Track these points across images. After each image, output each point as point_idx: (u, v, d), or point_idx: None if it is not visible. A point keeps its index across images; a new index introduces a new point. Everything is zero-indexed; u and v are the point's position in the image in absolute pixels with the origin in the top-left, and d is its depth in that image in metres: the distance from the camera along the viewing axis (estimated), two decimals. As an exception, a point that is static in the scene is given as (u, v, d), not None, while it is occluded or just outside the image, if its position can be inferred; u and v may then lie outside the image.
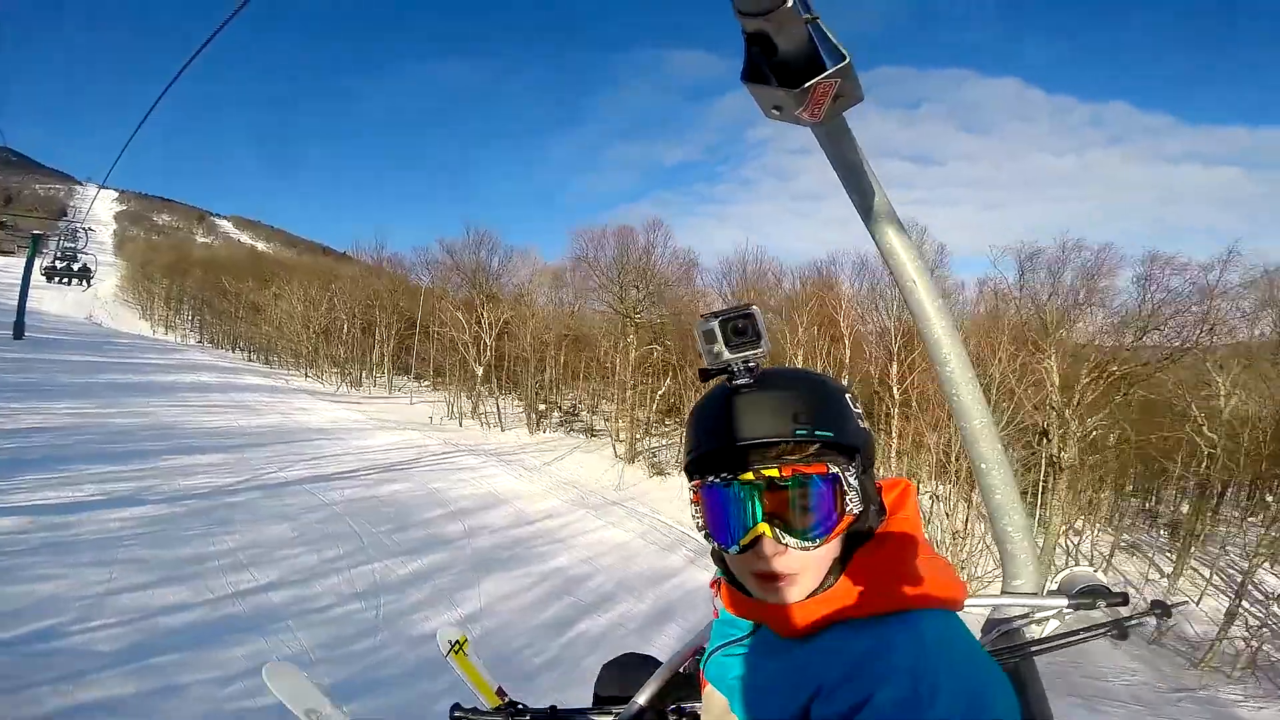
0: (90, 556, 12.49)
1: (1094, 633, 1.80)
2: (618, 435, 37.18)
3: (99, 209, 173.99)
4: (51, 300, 67.16)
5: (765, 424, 1.00)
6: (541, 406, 41.66)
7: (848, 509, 1.01)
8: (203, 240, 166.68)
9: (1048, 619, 1.81)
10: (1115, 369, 24.79)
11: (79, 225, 38.78)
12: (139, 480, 17.73)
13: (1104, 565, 23.84)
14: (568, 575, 17.67)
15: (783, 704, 0.97)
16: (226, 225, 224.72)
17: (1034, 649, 1.69)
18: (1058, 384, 24.57)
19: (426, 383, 47.91)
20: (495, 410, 40.75)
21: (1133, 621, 1.85)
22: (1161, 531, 27.68)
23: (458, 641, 2.75)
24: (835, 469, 1.00)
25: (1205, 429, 24.10)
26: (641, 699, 1.65)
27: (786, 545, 1.00)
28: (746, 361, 1.03)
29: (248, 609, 11.88)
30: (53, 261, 34.38)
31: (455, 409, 40.80)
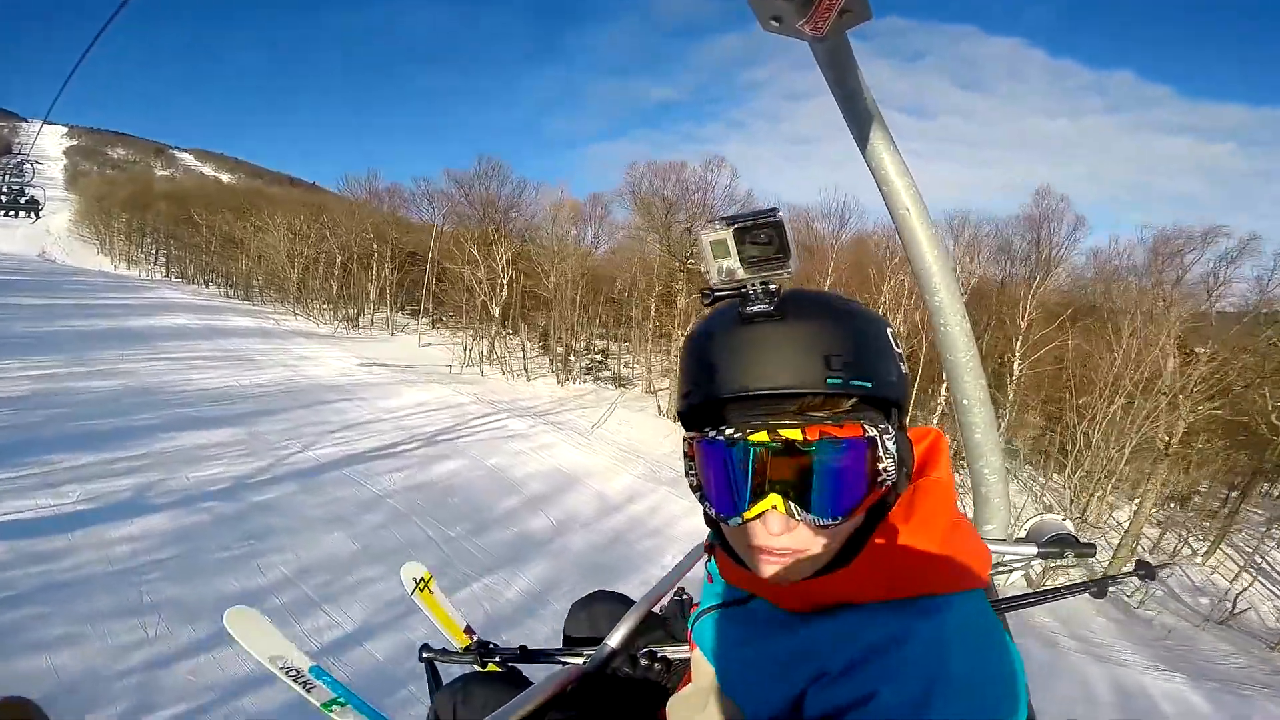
0: (108, 603, 8.76)
1: (1074, 591, 1.88)
2: (649, 387, 33.73)
3: (47, 145, 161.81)
4: (-2, 237, 60.07)
5: (788, 368, 0.79)
6: (571, 357, 37.24)
7: (879, 480, 0.81)
8: (163, 173, 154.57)
9: (1015, 568, 1.78)
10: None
11: (23, 157, 36.46)
12: (136, 473, 13.25)
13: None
14: (693, 580, 13.83)
15: (777, 684, 0.82)
16: (187, 158, 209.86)
17: (1005, 606, 1.56)
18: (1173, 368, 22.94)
19: (425, 320, 42.93)
20: (516, 356, 36.32)
21: (1118, 581, 1.96)
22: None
23: (422, 579, 2.57)
24: (872, 431, 0.80)
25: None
26: (613, 641, 1.51)
27: (800, 522, 0.81)
28: (765, 282, 0.81)
29: (353, 672, 8.00)
30: (2, 191, 31.56)
31: (471, 354, 36.07)
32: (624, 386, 36.12)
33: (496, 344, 37.00)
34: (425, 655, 1.94)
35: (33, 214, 31.52)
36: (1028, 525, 1.86)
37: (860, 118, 1.31)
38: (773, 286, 0.81)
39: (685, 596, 1.93)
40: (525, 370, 35.33)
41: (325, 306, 42.37)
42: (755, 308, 0.81)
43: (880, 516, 0.85)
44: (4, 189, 31.57)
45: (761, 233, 0.82)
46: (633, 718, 1.40)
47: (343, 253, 42.41)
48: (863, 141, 1.36)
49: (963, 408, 1.65)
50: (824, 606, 0.83)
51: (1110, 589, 1.88)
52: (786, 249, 0.81)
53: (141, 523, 11.20)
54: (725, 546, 0.94)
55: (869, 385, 0.80)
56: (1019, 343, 25.32)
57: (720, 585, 1.04)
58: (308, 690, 1.92)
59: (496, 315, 37.57)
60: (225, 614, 1.97)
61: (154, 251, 66.38)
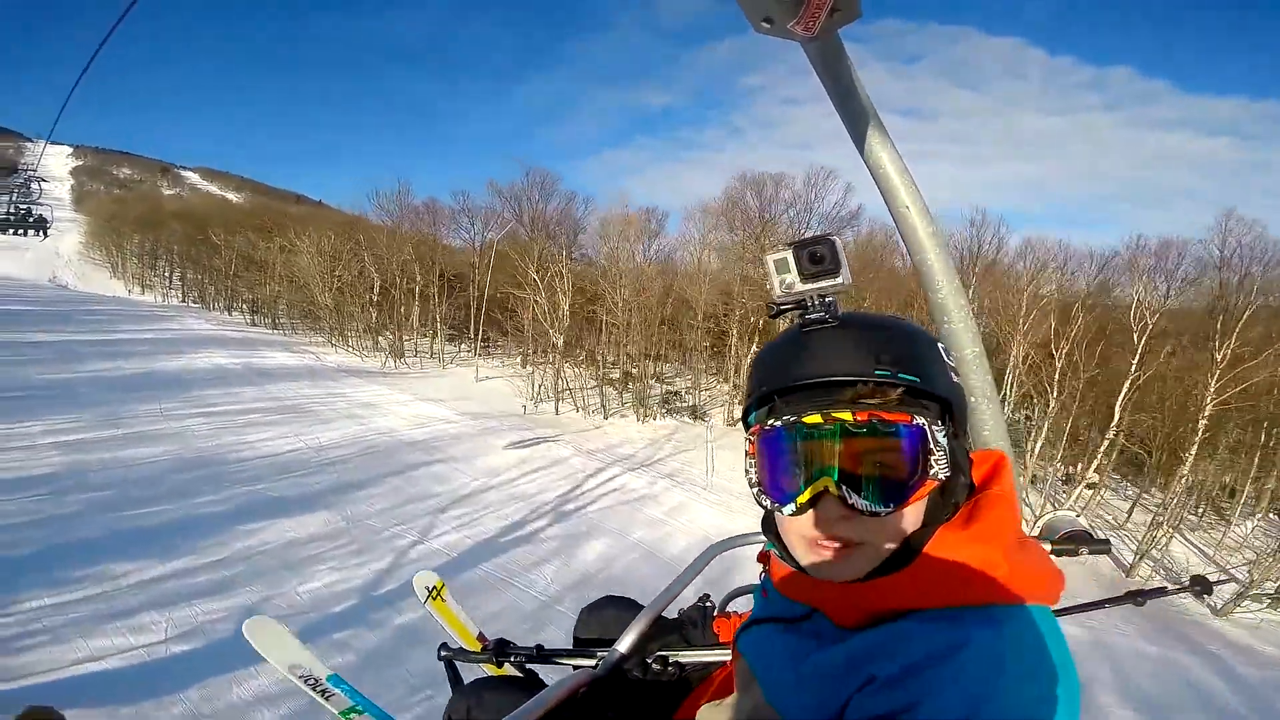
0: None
1: (1118, 601, 1.82)
2: (731, 419, 29.73)
3: (53, 165, 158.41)
4: (6, 260, 55.77)
5: (840, 361, 0.84)
6: (635, 387, 33.08)
7: (931, 471, 0.81)
8: (170, 192, 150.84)
9: None
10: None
11: (29, 174, 33.63)
12: (229, 589, 9.82)
13: None
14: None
15: (824, 695, 0.79)
16: (193, 177, 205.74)
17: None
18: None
19: (466, 346, 38.69)
20: (583, 389, 32.19)
21: (1169, 594, 1.87)
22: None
23: (434, 587, 2.59)
24: (921, 420, 0.81)
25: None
26: (623, 645, 1.52)
27: (854, 508, 0.80)
28: (823, 295, 0.90)
29: None
30: (6, 213, 29.36)
31: (538, 389, 31.85)
32: (702, 419, 32.09)
33: (560, 376, 32.88)
34: (444, 654, 1.89)
35: (41, 232, 29.07)
36: (1039, 523, 1.80)
37: (856, 116, 1.30)
38: (829, 299, 0.89)
39: (709, 603, 1.86)
40: (602, 407, 31.15)
41: (364, 336, 38.05)
42: (813, 316, 0.87)
43: (938, 522, 0.83)
44: (11, 208, 29.36)
45: (817, 249, 0.91)
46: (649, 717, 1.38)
47: (381, 276, 38.19)
48: (860, 140, 1.34)
49: (970, 405, 1.38)
50: (881, 616, 0.80)
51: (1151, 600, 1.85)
52: (839, 263, 0.90)
53: (269, 671, 7.11)
54: (783, 553, 0.91)
55: (916, 379, 0.82)
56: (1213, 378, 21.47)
57: (775, 599, 0.99)
58: (326, 698, 1.94)
59: (559, 344, 33.50)
60: (245, 624, 1.96)
61: (168, 275, 62.10)
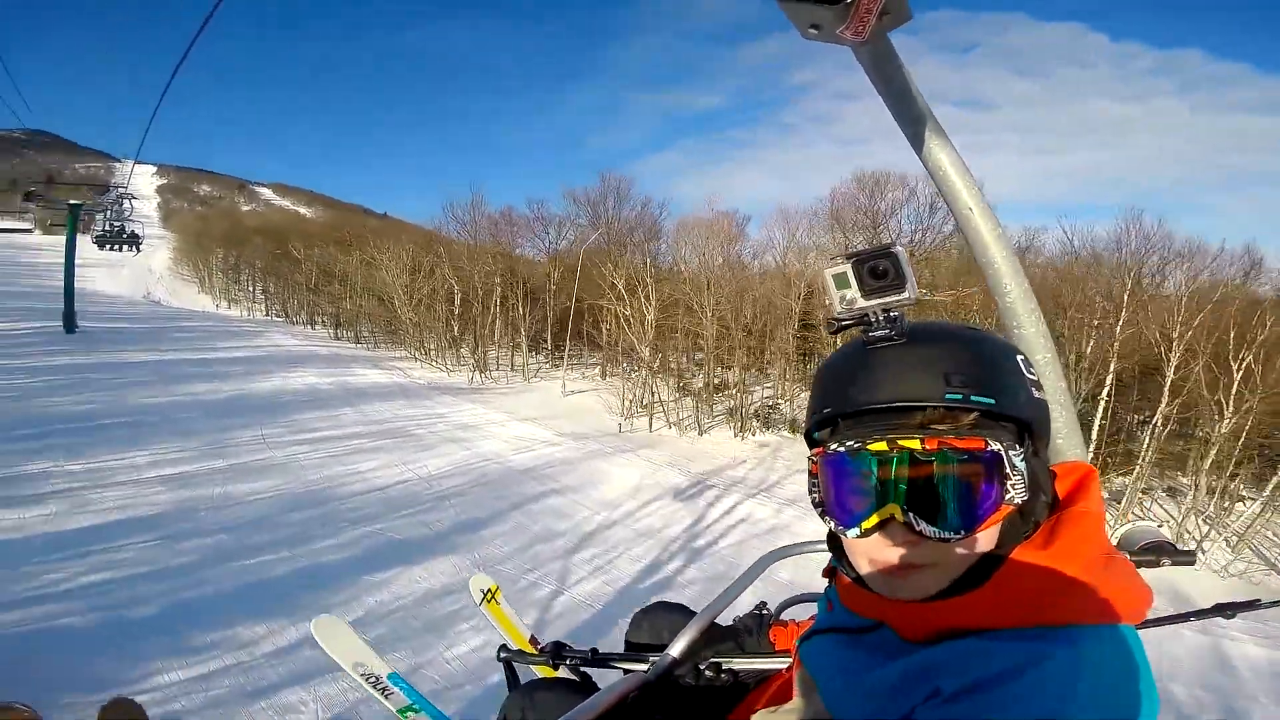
0: None
1: (1205, 614, 1.76)
2: None
3: (140, 184, 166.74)
4: (105, 279, 57.92)
5: (908, 384, 0.79)
6: (729, 399, 31.14)
7: (1007, 497, 0.78)
8: (247, 208, 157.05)
9: None
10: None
11: (122, 190, 36.50)
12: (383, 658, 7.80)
13: None
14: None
15: (888, 707, 0.76)
16: (267, 192, 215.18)
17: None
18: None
19: (544, 358, 37.48)
20: (670, 404, 30.46)
21: (1261, 607, 1.76)
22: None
23: (490, 590, 2.63)
24: (996, 446, 0.77)
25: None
26: (675, 650, 1.51)
27: (921, 534, 0.78)
28: (887, 310, 0.84)
29: None
30: (103, 230, 31.90)
31: (628, 403, 30.29)
32: (798, 432, 29.97)
33: (650, 391, 31.28)
34: (503, 655, 1.93)
35: (135, 248, 32.00)
36: (1118, 534, 1.72)
37: (913, 119, 1.27)
38: (894, 313, 0.83)
39: (766, 611, 1.87)
40: (697, 422, 29.40)
41: (446, 350, 37.30)
42: (878, 333, 0.82)
43: (1015, 541, 0.80)
44: (107, 225, 31.91)
45: (880, 263, 0.85)
46: None
47: (461, 288, 37.40)
48: (918, 143, 1.30)
49: None
50: (951, 633, 0.76)
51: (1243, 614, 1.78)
52: (903, 278, 0.84)
53: None
54: (848, 570, 0.90)
55: (991, 402, 0.78)
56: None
57: (840, 610, 0.97)
58: (385, 696, 2.01)
59: (647, 356, 31.94)
60: (313, 622, 2.06)
61: (251, 289, 63.62)
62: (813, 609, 1.42)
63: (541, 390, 32.71)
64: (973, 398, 0.77)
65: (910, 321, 0.83)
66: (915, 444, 0.76)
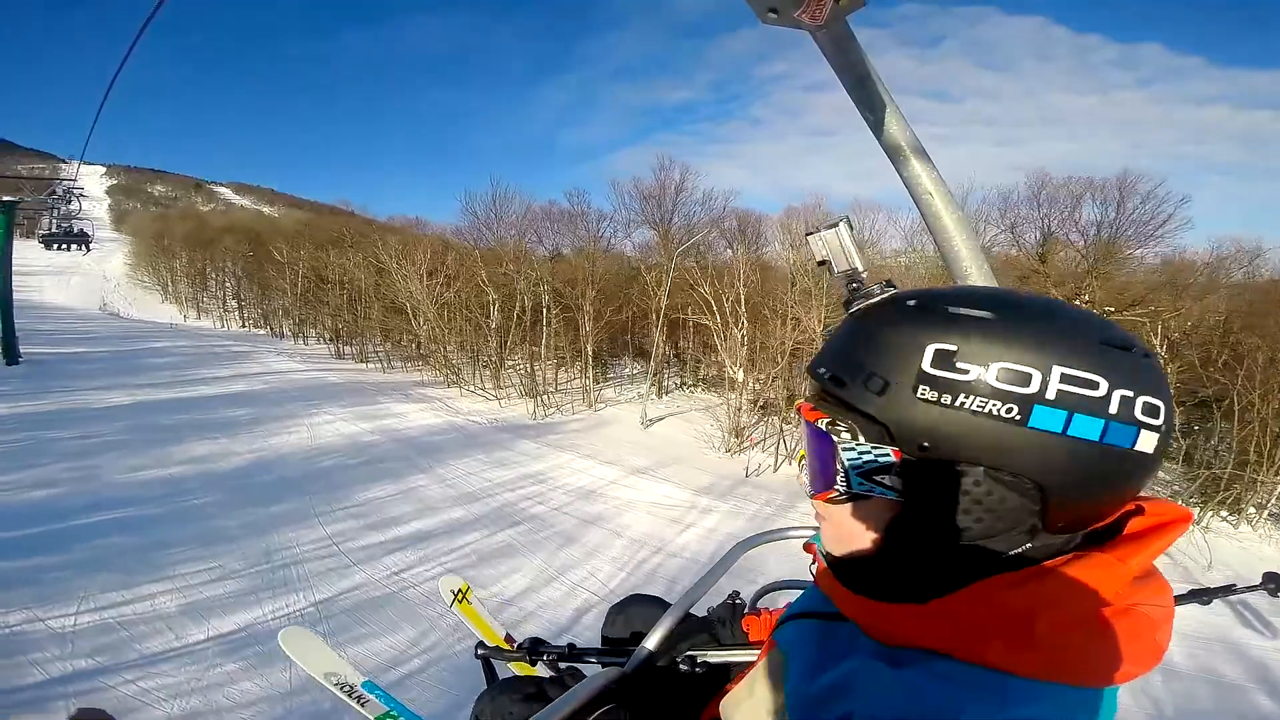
0: None
1: (1182, 601, 1.66)
2: None
3: (89, 185, 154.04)
4: (53, 288, 49.48)
5: (818, 357, 0.82)
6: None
7: (835, 485, 0.77)
8: (206, 208, 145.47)
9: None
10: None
11: (70, 184, 32.76)
12: None
13: None
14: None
15: (814, 711, 0.73)
16: (225, 191, 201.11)
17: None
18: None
19: (575, 370, 31.27)
20: (771, 433, 24.75)
21: (1237, 592, 1.78)
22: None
23: (460, 590, 2.56)
24: (825, 426, 0.76)
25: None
26: (650, 644, 1.45)
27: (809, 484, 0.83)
28: (851, 280, 0.86)
29: None
30: (50, 228, 29.64)
31: (737, 437, 24.49)
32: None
33: (744, 417, 25.54)
34: (480, 653, 1.91)
35: (84, 247, 29.67)
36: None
37: (872, 103, 1.24)
38: (855, 285, 0.84)
39: (739, 601, 1.79)
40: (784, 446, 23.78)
41: (483, 370, 30.64)
42: (846, 300, 0.84)
43: (991, 567, 0.70)
44: (54, 225, 29.62)
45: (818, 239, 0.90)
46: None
47: (499, 295, 30.92)
48: (877, 127, 1.28)
49: None
50: (903, 643, 0.70)
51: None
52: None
53: None
54: None
55: (840, 385, 0.75)
56: None
57: (814, 592, 0.92)
58: (361, 704, 1.93)
59: (740, 378, 26.19)
60: (280, 634, 2.01)
61: (222, 297, 55.46)
62: (789, 596, 1.38)
63: (613, 420, 26.60)
64: (823, 373, 0.77)
65: (891, 293, 0.80)
66: (799, 403, 0.82)
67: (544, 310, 30.33)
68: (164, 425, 17.95)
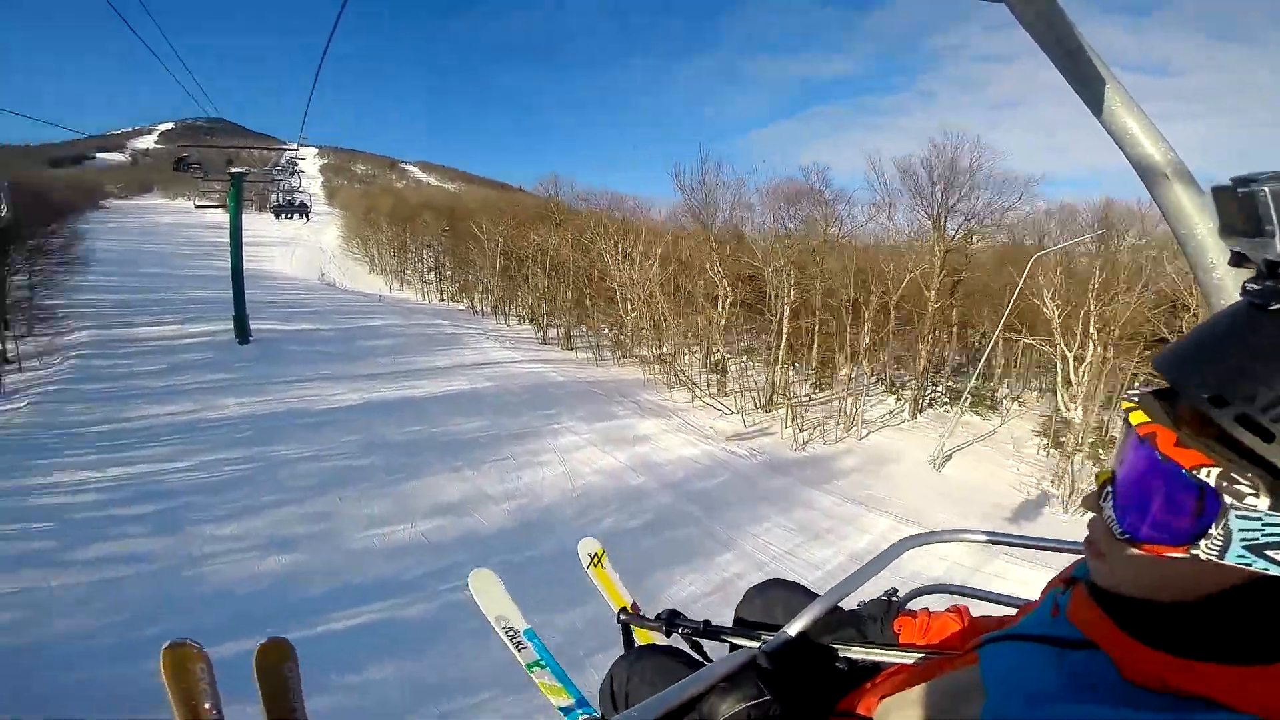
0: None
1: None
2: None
3: (304, 164, 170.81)
4: (281, 259, 51.51)
5: (1182, 360, 0.62)
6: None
7: (1189, 540, 0.58)
8: (399, 185, 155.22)
9: None
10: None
11: (293, 155, 36.56)
12: None
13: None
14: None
15: None
16: (414, 170, 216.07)
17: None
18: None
19: (790, 372, 24.69)
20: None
21: None
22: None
23: (596, 554, 2.50)
24: (1203, 476, 0.56)
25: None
26: (792, 629, 1.36)
27: (1105, 514, 0.67)
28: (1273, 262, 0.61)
29: None
30: (280, 199, 31.37)
31: (1067, 491, 17.45)
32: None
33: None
34: (622, 618, 1.97)
35: (305, 217, 31.58)
36: None
37: (1088, 79, 1.11)
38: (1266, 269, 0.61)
39: (895, 599, 1.59)
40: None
41: (711, 377, 25.29)
42: (1251, 287, 0.61)
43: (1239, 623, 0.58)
44: (280, 196, 31.86)
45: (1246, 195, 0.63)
46: (805, 709, 1.21)
47: (745, 290, 25.38)
48: (1096, 105, 1.13)
49: None
50: (1177, 691, 0.58)
51: None
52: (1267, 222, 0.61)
53: None
54: None
55: (1226, 408, 0.55)
56: None
57: (1059, 621, 0.76)
58: (519, 649, 2.00)
59: (1079, 419, 18.88)
60: (470, 574, 2.05)
61: (421, 269, 55.43)
62: (944, 600, 1.35)
63: (889, 455, 20.29)
64: (1196, 391, 0.57)
65: None
66: (1138, 418, 0.62)
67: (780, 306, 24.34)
68: (398, 444, 14.37)
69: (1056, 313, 19.63)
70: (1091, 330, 19.26)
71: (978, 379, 26.48)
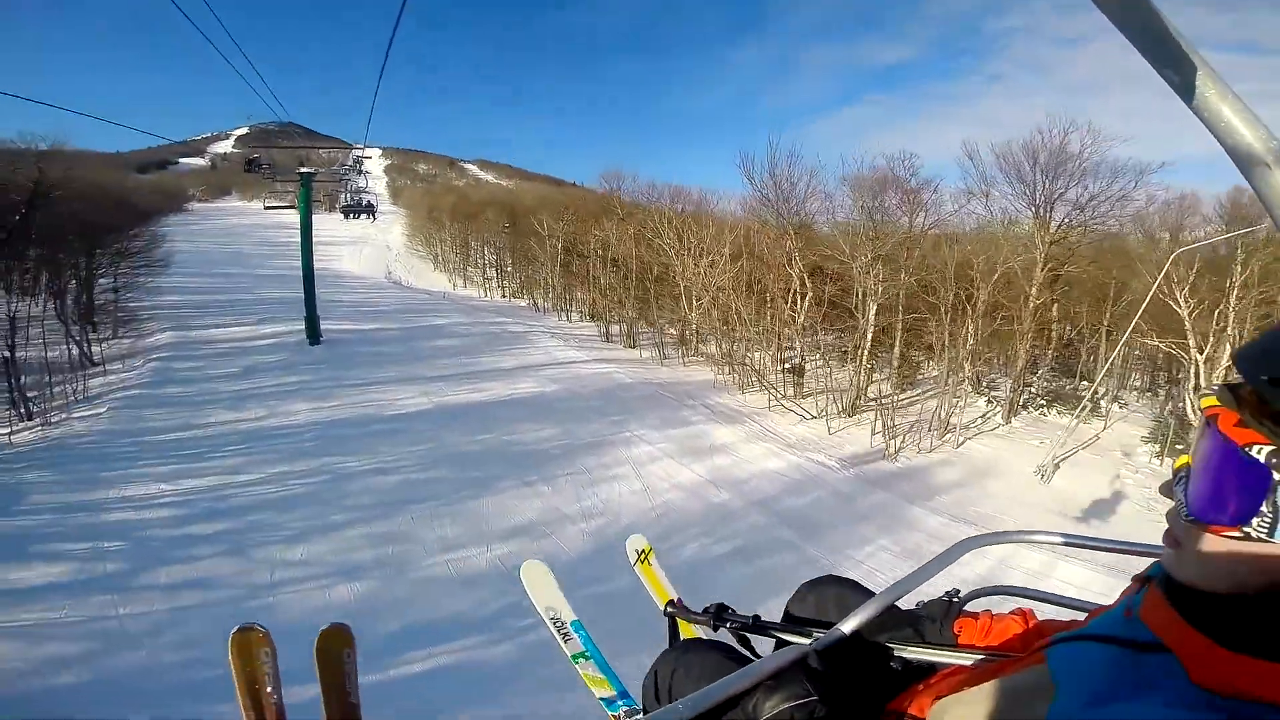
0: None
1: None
2: None
3: (369, 165, 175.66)
4: (349, 257, 52.50)
5: (1254, 350, 0.62)
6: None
7: (1241, 519, 0.59)
8: (459, 183, 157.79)
9: None
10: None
11: (359, 156, 45.44)
12: None
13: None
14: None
15: None
16: (473, 168, 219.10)
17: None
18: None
19: (832, 362, 22.70)
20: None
21: None
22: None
23: (644, 550, 2.54)
24: (1261, 455, 0.58)
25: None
26: (846, 627, 1.29)
27: (1177, 499, 0.68)
28: None
29: None
30: (348, 199, 32.31)
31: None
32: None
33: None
34: (669, 610, 1.93)
35: (371, 216, 32.37)
36: None
37: (1176, 63, 1.00)
38: None
39: (956, 599, 1.49)
40: None
41: (790, 382, 23.75)
42: None
43: None
44: (348, 196, 32.76)
45: None
46: (853, 709, 1.15)
47: (824, 290, 23.77)
48: (1186, 91, 1.01)
49: None
50: (1245, 695, 0.56)
51: None
52: None
53: None
54: None
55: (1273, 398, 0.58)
56: None
57: (1133, 622, 0.74)
58: (565, 640, 2.01)
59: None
60: (523, 565, 2.09)
61: (483, 266, 55.62)
62: (1008, 604, 1.31)
63: (989, 466, 18.45)
64: (1258, 375, 0.58)
65: None
66: (1210, 401, 0.64)
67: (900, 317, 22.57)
68: (468, 455, 13.66)
69: (1188, 312, 17.36)
70: (1230, 330, 16.96)
71: (1078, 379, 24.24)
